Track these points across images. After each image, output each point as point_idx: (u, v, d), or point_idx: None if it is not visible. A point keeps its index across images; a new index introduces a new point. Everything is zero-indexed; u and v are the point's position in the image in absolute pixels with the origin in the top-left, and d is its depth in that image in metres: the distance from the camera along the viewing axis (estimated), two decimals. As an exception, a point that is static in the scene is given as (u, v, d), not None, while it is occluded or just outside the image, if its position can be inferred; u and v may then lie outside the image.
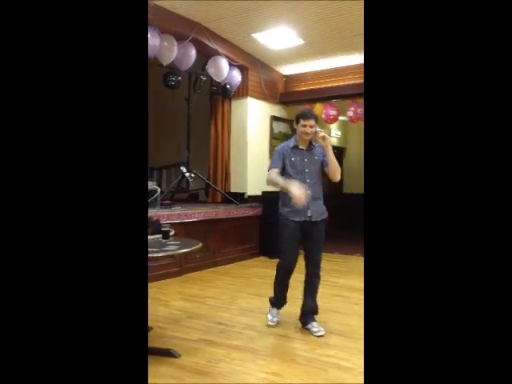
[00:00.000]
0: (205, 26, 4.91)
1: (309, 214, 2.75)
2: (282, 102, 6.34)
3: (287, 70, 6.30)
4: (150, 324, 2.87)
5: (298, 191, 2.53)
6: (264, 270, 4.82)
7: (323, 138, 2.68)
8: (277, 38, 5.15)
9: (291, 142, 2.84)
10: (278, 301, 2.97)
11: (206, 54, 5.22)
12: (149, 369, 2.18)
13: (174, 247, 2.49)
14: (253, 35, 5.11)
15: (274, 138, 6.24)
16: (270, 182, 2.81)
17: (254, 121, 5.90)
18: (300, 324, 2.89)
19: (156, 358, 2.34)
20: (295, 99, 6.29)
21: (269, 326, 2.89)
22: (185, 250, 2.52)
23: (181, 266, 4.39)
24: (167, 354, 2.36)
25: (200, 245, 2.57)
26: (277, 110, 6.30)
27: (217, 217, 4.93)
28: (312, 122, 2.74)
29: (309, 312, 2.86)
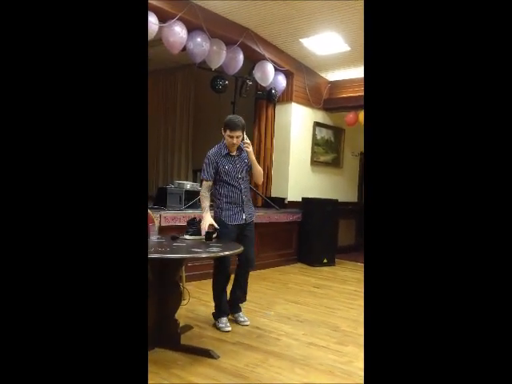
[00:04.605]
0: (253, 30, 4.96)
1: (244, 217, 2.94)
2: (325, 108, 6.29)
3: (332, 75, 6.24)
4: (190, 323, 2.93)
5: (204, 225, 2.78)
6: (302, 277, 4.80)
7: (247, 152, 2.89)
8: (323, 44, 5.13)
9: (223, 149, 2.91)
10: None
11: (252, 59, 5.27)
12: (188, 368, 2.26)
13: (216, 249, 2.53)
14: (300, 40, 5.11)
15: (317, 144, 6.19)
16: (200, 197, 2.99)
17: (297, 126, 5.89)
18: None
19: (196, 357, 2.38)
20: (339, 105, 6.21)
21: (227, 331, 2.86)
22: (227, 253, 2.56)
23: (220, 268, 4.43)
24: (207, 354, 2.39)
25: (241, 249, 2.59)
26: (320, 116, 6.25)
27: (257, 221, 4.93)
28: (238, 133, 2.83)
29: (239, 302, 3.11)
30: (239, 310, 3.09)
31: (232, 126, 2.81)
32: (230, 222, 2.90)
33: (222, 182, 2.91)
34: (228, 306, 3.03)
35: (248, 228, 2.99)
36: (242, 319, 3.04)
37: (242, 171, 2.92)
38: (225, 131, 2.85)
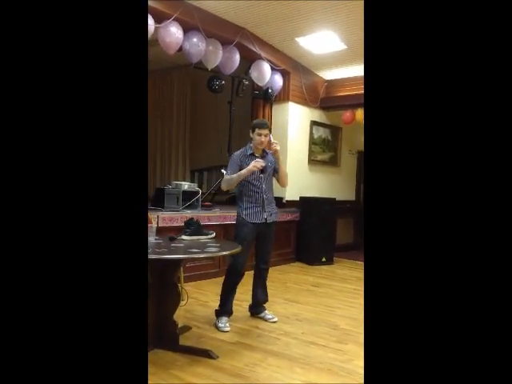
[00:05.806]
0: (250, 30, 4.96)
1: (264, 217, 2.98)
2: (322, 106, 6.28)
3: (329, 74, 6.24)
4: (189, 324, 2.92)
5: (253, 163, 2.84)
6: (300, 276, 4.80)
7: (275, 151, 2.96)
8: (320, 43, 5.12)
9: (248, 150, 3.02)
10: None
11: (249, 59, 5.27)
12: (187, 368, 2.25)
13: (214, 249, 2.52)
14: (296, 39, 5.11)
15: (314, 143, 6.19)
16: (227, 184, 3.01)
17: (294, 125, 5.88)
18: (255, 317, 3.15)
19: (194, 358, 2.38)
20: (336, 104, 6.21)
21: (225, 331, 2.85)
22: (225, 253, 2.56)
23: (219, 268, 4.42)
24: (206, 354, 2.39)
25: (239, 248, 2.59)
26: (317, 115, 6.25)
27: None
28: (266, 131, 2.98)
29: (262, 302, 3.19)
30: (264, 308, 3.18)
31: (260, 125, 2.99)
32: (250, 220, 2.97)
33: (245, 182, 2.97)
34: (253, 308, 3.17)
35: (268, 228, 3.04)
36: (269, 316, 3.13)
37: (264, 171, 2.98)
38: (253, 131, 2.98)
